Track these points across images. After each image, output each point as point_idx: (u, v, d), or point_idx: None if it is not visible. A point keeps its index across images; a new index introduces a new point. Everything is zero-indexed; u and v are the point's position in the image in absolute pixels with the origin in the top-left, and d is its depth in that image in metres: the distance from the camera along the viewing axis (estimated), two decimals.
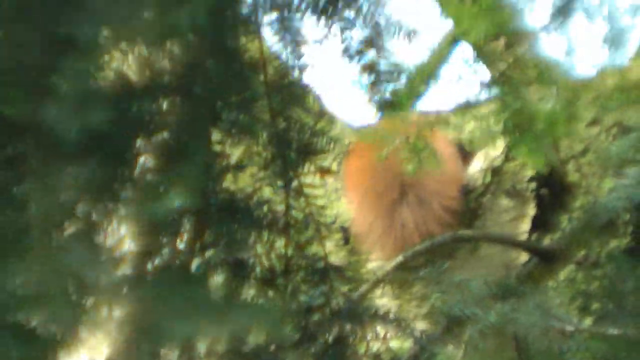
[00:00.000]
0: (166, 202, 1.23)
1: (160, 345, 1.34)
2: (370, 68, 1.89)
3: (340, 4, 1.61)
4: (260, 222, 1.51)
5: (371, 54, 1.88)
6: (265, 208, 1.55)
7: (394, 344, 2.03)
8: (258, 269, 1.57)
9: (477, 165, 3.17)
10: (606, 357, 2.16)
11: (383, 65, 1.82)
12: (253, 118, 1.41)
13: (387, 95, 2.15)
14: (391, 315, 1.94)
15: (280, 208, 1.62)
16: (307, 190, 1.65)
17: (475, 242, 2.78)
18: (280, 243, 1.63)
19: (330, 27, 1.88)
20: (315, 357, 1.78)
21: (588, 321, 2.62)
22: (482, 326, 1.98)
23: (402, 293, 2.78)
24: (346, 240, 3.03)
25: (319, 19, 1.68)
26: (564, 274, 2.84)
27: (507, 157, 3.10)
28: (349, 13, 1.75)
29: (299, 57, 1.63)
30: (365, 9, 1.82)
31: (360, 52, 1.97)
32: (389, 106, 2.52)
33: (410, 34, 2.06)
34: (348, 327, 1.82)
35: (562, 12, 2.39)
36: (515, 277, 2.21)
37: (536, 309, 2.00)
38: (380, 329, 1.91)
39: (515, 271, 2.30)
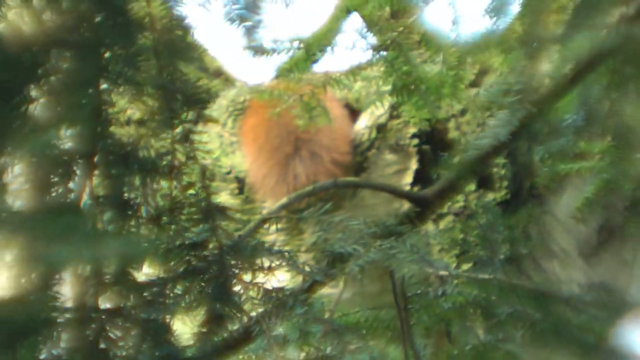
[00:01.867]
0: (54, 138, 1.31)
1: (42, 270, 1.39)
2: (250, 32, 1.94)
3: None
4: (146, 164, 1.56)
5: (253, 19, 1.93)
6: (151, 152, 1.60)
7: (283, 277, 2.12)
8: (143, 208, 1.63)
9: (363, 123, 3.26)
10: (477, 299, 2.24)
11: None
12: (138, 70, 1.46)
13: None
14: (275, 248, 2.03)
15: (164, 151, 1.67)
16: (192, 137, 1.71)
17: (355, 188, 2.87)
18: (165, 185, 1.70)
19: None
20: (200, 288, 1.86)
21: (465, 267, 2.73)
22: (362, 261, 2.03)
23: (286, 232, 2.87)
24: (241, 190, 3.10)
25: None
26: (443, 223, 2.95)
27: (392, 115, 3.20)
28: None
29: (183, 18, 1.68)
30: None
31: (241, 18, 2.04)
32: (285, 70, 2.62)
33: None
34: (232, 260, 1.90)
35: None
36: (394, 219, 2.27)
37: (413, 249, 2.07)
38: (265, 261, 2.00)
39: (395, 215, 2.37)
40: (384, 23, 2.70)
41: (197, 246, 1.75)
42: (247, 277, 1.96)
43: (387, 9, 2.78)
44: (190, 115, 1.68)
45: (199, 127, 1.77)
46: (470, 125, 3.17)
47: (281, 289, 1.97)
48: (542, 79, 2.21)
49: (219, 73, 3.84)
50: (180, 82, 1.62)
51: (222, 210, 1.76)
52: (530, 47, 2.15)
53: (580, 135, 2.32)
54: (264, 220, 2.22)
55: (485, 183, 3.08)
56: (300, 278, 2.15)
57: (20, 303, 1.43)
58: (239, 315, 1.90)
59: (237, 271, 1.92)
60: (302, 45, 2.68)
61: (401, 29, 2.61)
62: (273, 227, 2.41)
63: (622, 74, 2.29)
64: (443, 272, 2.22)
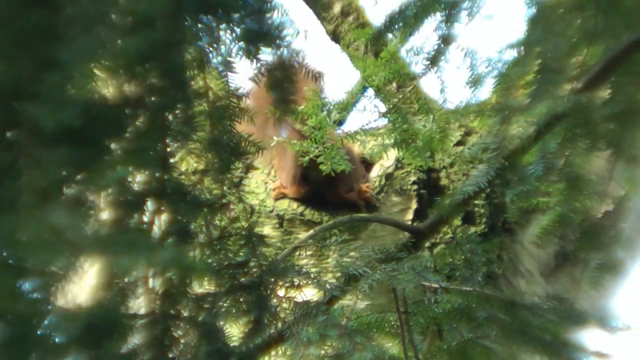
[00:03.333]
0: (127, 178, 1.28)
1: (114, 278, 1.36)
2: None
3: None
4: (203, 202, 1.53)
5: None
6: (206, 193, 1.58)
7: (310, 293, 2.09)
8: (200, 236, 1.61)
9: (375, 172, 3.24)
10: (462, 306, 2.24)
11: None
12: (194, 129, 1.43)
13: None
14: (303, 270, 2.01)
15: (217, 193, 1.65)
16: (236, 180, 1.70)
17: (367, 222, 2.84)
18: (217, 218, 1.67)
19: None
20: (245, 300, 1.83)
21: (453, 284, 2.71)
22: (370, 280, 2.03)
23: (314, 256, 2.84)
24: (281, 224, 3.07)
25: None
26: (436, 250, 2.92)
27: (397, 166, 3.18)
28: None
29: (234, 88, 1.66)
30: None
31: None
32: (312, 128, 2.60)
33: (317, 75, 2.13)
34: (269, 278, 1.87)
35: (433, 62, 2.45)
36: (395, 247, 2.26)
37: (410, 270, 2.05)
38: (295, 280, 1.97)
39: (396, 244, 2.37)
40: (388, 92, 2.68)
41: (242, 266, 1.70)
42: (281, 292, 1.94)
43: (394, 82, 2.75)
44: (239, 164, 1.66)
45: (247, 175, 1.77)
46: (457, 175, 3.17)
47: (307, 302, 1.95)
48: (512, 139, 2.19)
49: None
50: (229, 138, 1.59)
51: (261, 238, 1.71)
52: (502, 114, 2.13)
53: (541, 181, 2.29)
54: (295, 248, 2.19)
55: (468, 219, 3.06)
56: (322, 293, 2.12)
57: (104, 309, 1.40)
58: (274, 321, 1.88)
59: (273, 287, 1.90)
60: (326, 110, 2.66)
61: (401, 96, 2.59)
62: (303, 253, 2.37)
63: (572, 133, 2.26)
64: (435, 285, 2.22)
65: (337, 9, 3.82)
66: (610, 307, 3.11)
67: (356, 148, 3.28)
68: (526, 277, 3.01)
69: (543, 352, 2.14)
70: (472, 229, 3.03)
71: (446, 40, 2.39)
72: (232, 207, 1.69)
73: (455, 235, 2.85)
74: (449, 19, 2.37)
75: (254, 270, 1.78)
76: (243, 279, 1.70)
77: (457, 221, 3.01)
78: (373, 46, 3.44)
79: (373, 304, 2.70)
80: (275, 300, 1.89)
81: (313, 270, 2.12)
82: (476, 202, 3.05)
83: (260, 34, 1.96)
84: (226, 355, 1.63)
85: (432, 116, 2.65)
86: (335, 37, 3.79)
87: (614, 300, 3.27)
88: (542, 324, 2.16)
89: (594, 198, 2.36)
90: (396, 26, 2.41)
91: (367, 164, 3.30)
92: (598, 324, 2.18)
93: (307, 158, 2.66)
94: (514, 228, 3.05)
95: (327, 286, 2.03)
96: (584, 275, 2.99)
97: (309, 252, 2.61)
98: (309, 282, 1.98)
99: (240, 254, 1.72)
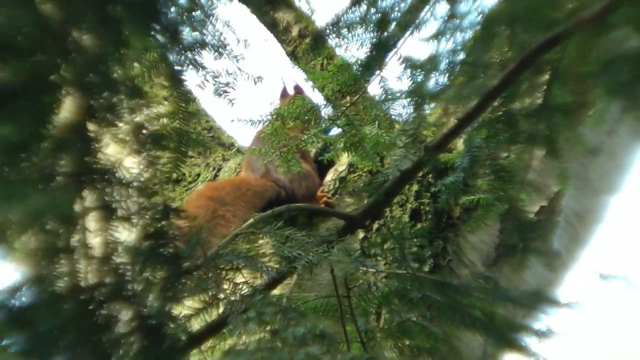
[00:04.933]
0: None
1: None
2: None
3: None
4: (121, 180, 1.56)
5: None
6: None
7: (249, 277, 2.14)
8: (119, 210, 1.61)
9: (330, 177, 3.30)
10: (397, 288, 2.28)
11: None
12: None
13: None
14: (242, 254, 2.06)
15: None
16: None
17: (303, 211, 2.89)
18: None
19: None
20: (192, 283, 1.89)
21: (381, 265, 2.76)
22: (304, 262, 2.06)
23: (253, 243, 2.88)
24: None
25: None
26: (373, 236, 2.97)
27: (349, 170, 3.24)
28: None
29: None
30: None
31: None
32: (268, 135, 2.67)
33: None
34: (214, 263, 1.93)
35: (366, 68, 2.51)
36: (326, 231, 2.32)
37: (340, 251, 2.09)
38: (233, 263, 2.05)
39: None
40: (337, 100, 2.75)
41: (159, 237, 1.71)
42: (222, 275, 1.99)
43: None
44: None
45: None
46: None
47: (246, 282, 1.99)
48: (428, 125, 2.25)
49: (231, 145, 3.91)
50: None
51: (175, 210, 1.73)
52: (415, 100, 2.19)
53: (467, 172, 2.34)
54: (236, 235, 2.24)
55: (415, 216, 3.10)
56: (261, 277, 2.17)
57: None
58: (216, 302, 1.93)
59: (214, 269, 1.95)
60: (279, 117, 2.73)
61: (348, 104, 2.64)
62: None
63: (495, 128, 2.32)
64: (372, 269, 2.26)
65: (295, 32, 3.94)
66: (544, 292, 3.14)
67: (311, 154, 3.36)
68: (469, 268, 3.04)
69: (473, 328, 2.16)
70: (419, 225, 3.07)
71: (379, 47, 2.45)
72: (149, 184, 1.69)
73: (386, 222, 2.91)
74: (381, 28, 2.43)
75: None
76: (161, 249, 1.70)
77: (405, 218, 3.06)
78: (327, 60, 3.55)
79: (318, 286, 2.75)
80: (215, 282, 1.93)
81: (250, 254, 2.13)
82: (422, 200, 3.11)
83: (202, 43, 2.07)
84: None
85: (377, 122, 2.71)
86: (294, 56, 3.90)
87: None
88: (471, 302, 2.19)
89: (522, 189, 2.40)
90: (333, 35, 2.48)
91: (323, 169, 3.36)
92: (522, 302, 2.22)
93: (266, 162, 2.75)
94: (457, 223, 3.09)
95: (264, 268, 2.07)
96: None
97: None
98: (247, 264, 2.03)
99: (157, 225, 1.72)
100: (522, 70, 2.15)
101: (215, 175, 3.59)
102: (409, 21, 2.48)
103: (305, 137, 2.71)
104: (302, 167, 2.76)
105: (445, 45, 2.23)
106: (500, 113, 2.30)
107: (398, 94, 2.37)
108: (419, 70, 2.22)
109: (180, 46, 1.98)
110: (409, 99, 2.27)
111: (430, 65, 2.17)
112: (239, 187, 3.14)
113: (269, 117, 2.74)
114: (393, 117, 2.60)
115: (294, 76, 5.20)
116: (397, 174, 2.29)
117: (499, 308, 2.22)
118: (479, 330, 2.17)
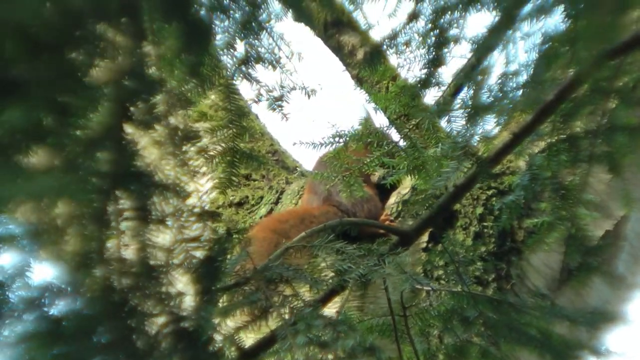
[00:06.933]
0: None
1: None
2: None
3: None
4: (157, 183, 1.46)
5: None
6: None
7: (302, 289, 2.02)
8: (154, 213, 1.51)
9: (393, 200, 3.15)
10: (454, 308, 2.15)
11: None
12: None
13: None
14: (292, 267, 1.97)
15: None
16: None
17: (356, 225, 2.72)
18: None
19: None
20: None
21: (433, 283, 2.60)
22: (355, 275, 1.97)
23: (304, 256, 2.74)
24: None
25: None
26: (436, 259, 2.81)
27: (412, 193, 3.08)
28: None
29: None
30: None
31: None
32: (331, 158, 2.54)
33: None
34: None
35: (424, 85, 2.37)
36: (377, 245, 2.18)
37: (392, 265, 1.99)
38: (284, 275, 1.94)
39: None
40: (400, 123, 2.61)
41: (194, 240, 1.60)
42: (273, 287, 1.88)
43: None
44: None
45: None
46: (467, 200, 3.06)
47: (295, 295, 1.87)
48: (479, 138, 2.10)
49: (295, 169, 3.80)
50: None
51: (211, 214, 1.61)
52: (469, 112, 2.04)
53: (527, 190, 2.18)
54: (288, 248, 2.11)
55: (478, 237, 2.92)
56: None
57: None
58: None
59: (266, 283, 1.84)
60: (342, 140, 2.60)
61: (411, 126, 2.50)
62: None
63: (556, 147, 2.16)
64: (427, 288, 2.12)
65: (360, 55, 3.80)
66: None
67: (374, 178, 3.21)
68: (534, 292, 2.84)
69: (529, 346, 2.04)
70: (482, 248, 2.89)
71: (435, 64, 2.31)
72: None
73: (442, 241, 2.76)
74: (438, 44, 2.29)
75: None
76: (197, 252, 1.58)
77: (469, 241, 2.88)
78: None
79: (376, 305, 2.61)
80: (268, 295, 1.83)
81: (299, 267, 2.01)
82: (485, 223, 2.93)
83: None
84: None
85: (439, 144, 2.56)
86: (359, 80, 3.77)
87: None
88: (527, 320, 2.07)
89: (587, 209, 2.24)
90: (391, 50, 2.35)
91: (385, 192, 3.21)
92: (580, 320, 2.04)
93: (328, 186, 2.62)
94: (521, 247, 2.90)
95: (313, 281, 1.95)
96: (587, 292, 2.84)
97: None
98: (296, 276, 1.91)
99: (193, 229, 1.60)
100: (576, 86, 2.00)
101: (278, 199, 3.48)
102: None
103: (368, 160, 2.56)
104: (364, 192, 2.61)
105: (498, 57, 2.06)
106: (562, 132, 2.14)
107: (452, 105, 2.20)
108: (471, 82, 2.06)
109: (234, 59, 1.89)
110: (461, 111, 2.11)
111: (482, 76, 2.01)
112: (302, 219, 3.02)
113: (331, 140, 2.60)
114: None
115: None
116: (452, 189, 2.14)
117: (558, 327, 2.05)
118: (535, 348, 2.05)
